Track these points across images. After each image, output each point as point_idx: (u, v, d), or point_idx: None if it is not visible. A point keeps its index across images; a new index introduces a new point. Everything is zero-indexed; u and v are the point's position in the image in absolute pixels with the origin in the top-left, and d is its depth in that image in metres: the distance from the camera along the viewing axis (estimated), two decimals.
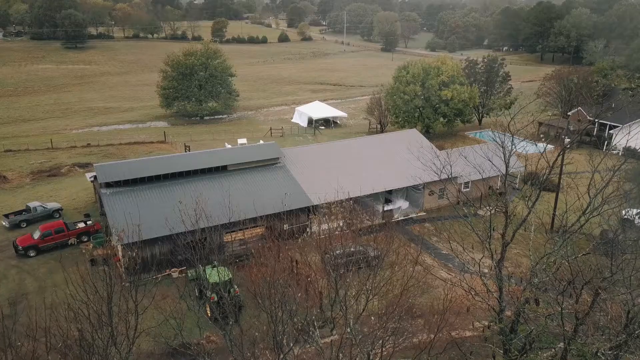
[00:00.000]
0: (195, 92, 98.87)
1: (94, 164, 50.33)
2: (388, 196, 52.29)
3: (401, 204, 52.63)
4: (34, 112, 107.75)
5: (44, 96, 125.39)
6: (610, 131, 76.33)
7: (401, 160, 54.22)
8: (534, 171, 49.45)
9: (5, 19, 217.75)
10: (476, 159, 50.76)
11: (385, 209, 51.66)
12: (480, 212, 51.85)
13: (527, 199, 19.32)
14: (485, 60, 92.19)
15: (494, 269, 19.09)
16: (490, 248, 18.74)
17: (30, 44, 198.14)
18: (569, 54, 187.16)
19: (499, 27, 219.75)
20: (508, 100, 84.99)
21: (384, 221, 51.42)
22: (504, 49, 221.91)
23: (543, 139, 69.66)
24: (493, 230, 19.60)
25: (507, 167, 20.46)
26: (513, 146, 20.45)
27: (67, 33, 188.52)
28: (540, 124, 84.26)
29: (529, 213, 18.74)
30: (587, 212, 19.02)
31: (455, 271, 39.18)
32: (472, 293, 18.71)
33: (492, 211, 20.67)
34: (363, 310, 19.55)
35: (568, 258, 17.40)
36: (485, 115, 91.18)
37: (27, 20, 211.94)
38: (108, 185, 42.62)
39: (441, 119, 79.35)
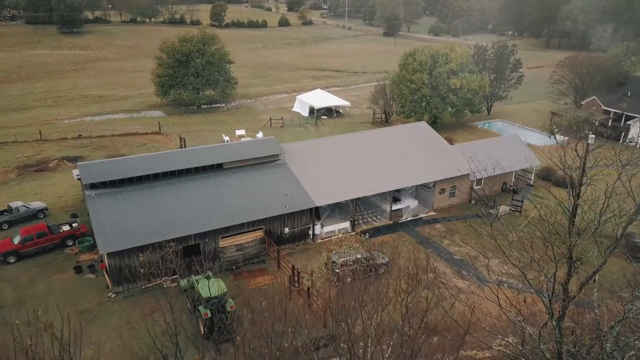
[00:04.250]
0: (192, 80, 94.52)
1: (78, 163, 46.77)
2: (396, 195, 48.84)
3: (410, 203, 49.19)
4: (25, 101, 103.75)
5: (37, 83, 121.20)
6: (628, 122, 72.65)
7: (410, 156, 50.81)
8: (553, 168, 45.91)
9: (0, 2, 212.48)
10: (493, 154, 47.58)
11: (394, 208, 48.27)
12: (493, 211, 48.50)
13: (603, 257, 14.93)
14: (495, 46, 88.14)
15: (554, 330, 15.25)
16: (551, 306, 15.04)
17: (25, 28, 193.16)
18: (576, 39, 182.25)
19: (503, 11, 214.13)
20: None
21: (391, 222, 48.24)
22: (509, 33, 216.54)
23: (556, 130, 66.03)
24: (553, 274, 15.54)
25: (578, 195, 16.23)
26: (585, 177, 16.73)
27: (63, 17, 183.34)
28: (553, 113, 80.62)
29: (604, 262, 14.88)
30: None
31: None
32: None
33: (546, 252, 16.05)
34: None
35: None
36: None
37: (22, 4, 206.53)
38: (93, 186, 39.21)
39: (449, 109, 75.08)
